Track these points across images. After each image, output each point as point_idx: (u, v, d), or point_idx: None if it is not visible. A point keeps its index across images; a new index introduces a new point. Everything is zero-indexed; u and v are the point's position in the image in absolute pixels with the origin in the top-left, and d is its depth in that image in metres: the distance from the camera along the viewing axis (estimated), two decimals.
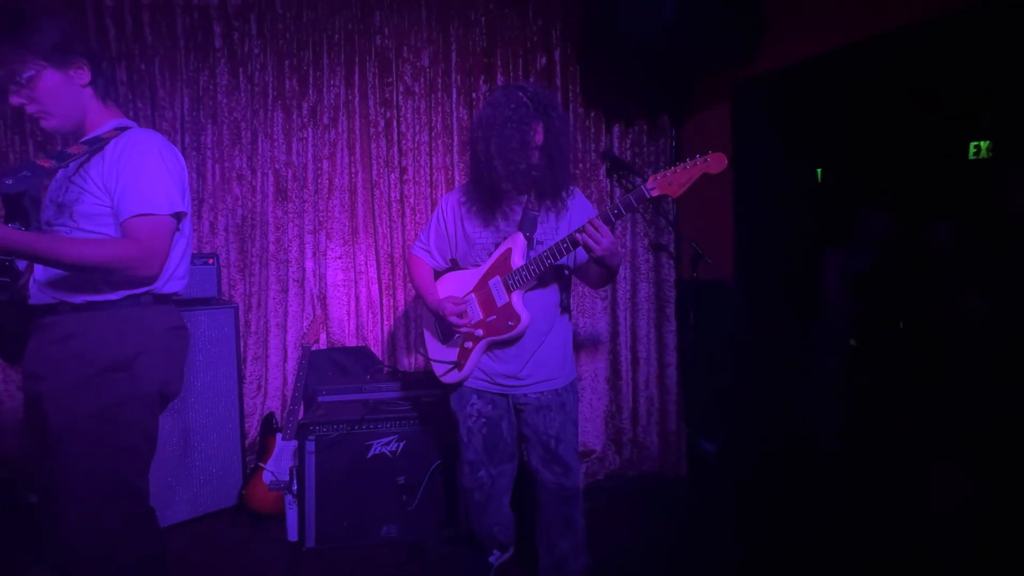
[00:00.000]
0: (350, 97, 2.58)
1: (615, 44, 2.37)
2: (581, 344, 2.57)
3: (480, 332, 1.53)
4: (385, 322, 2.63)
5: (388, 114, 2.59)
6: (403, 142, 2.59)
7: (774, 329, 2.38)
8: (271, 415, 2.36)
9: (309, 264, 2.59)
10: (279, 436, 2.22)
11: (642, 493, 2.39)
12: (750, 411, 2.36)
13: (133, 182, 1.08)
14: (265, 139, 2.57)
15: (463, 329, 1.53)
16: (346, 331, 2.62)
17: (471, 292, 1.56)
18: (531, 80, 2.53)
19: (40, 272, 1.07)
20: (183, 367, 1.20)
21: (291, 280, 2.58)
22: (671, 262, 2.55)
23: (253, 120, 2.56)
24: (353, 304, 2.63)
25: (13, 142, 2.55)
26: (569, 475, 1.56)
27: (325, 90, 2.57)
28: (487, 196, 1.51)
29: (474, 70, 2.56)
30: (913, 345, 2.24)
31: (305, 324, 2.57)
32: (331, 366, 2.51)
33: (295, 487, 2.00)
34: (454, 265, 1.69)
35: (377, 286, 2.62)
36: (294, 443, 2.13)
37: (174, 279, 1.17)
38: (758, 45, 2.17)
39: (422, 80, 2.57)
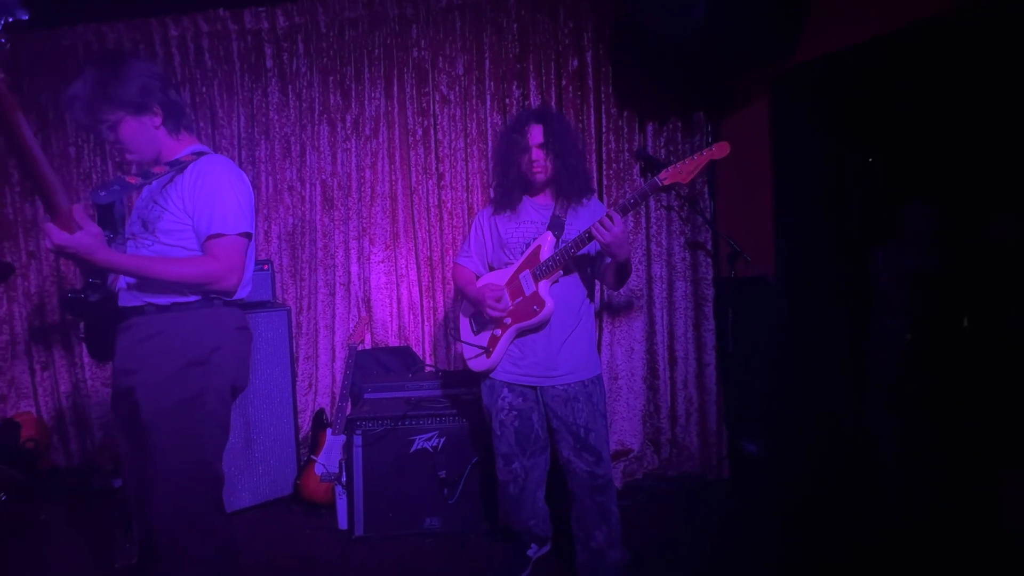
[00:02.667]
0: (389, 108, 2.70)
1: (647, 44, 2.36)
2: (617, 343, 2.58)
3: (508, 320, 1.64)
4: (425, 323, 2.73)
5: (425, 123, 2.69)
6: (440, 149, 2.68)
7: (820, 328, 2.30)
8: (321, 411, 2.50)
9: (354, 268, 2.73)
10: (329, 431, 2.36)
11: (682, 493, 2.37)
12: (796, 412, 2.29)
13: (209, 206, 1.22)
14: (312, 151, 2.73)
15: (496, 313, 1.64)
16: (389, 332, 2.75)
17: (504, 286, 1.68)
18: (563, 83, 2.56)
19: (126, 276, 1.21)
20: (249, 363, 1.34)
21: (338, 284, 2.73)
22: (708, 260, 2.51)
23: (301, 134, 2.73)
24: (395, 306, 2.75)
25: (95, 162, 2.84)
26: (600, 464, 1.60)
27: (366, 103, 2.70)
28: (514, 201, 1.68)
29: (507, 76, 2.62)
30: (979, 345, 2.11)
31: (351, 325, 2.72)
32: (375, 365, 2.64)
33: (344, 479, 2.12)
34: (491, 270, 1.81)
35: (417, 288, 2.73)
36: (343, 438, 2.26)
37: (242, 286, 1.30)
38: (798, 34, 2.11)
39: (457, 88, 2.66)
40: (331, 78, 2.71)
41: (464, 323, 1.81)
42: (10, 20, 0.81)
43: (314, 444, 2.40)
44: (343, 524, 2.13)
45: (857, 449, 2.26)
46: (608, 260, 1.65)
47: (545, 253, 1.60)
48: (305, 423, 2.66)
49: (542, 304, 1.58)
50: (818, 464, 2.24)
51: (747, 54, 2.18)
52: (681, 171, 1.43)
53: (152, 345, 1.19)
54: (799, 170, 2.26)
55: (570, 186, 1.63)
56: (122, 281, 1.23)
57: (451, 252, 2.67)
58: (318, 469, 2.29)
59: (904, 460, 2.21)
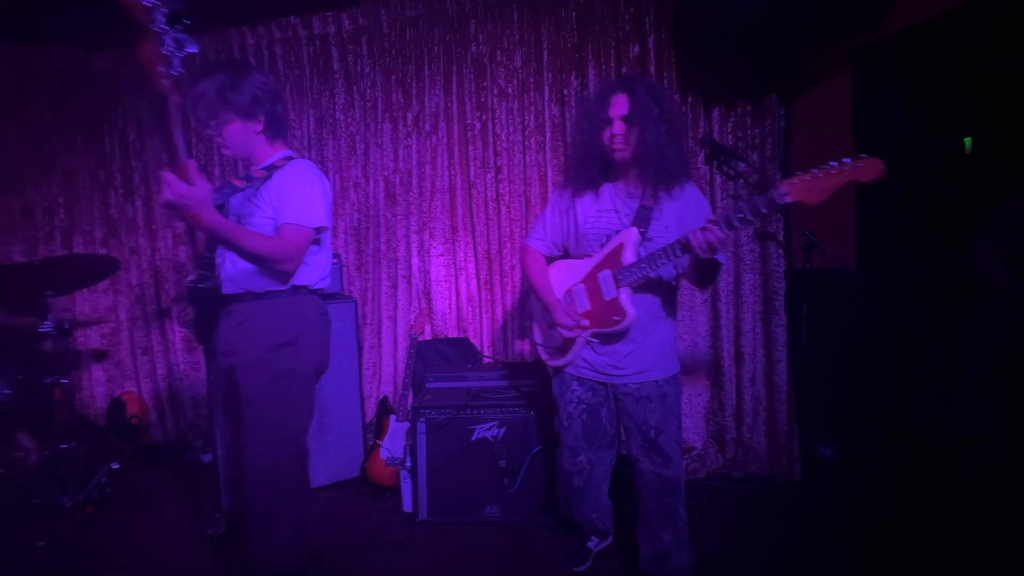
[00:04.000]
0: (449, 104, 2.74)
1: (713, 24, 2.25)
2: (679, 337, 2.50)
3: (586, 323, 1.56)
4: (483, 315, 2.77)
5: (484, 117, 2.71)
6: (498, 143, 2.70)
7: (908, 322, 2.12)
8: (385, 398, 2.62)
9: (415, 262, 2.82)
10: (393, 418, 2.46)
11: (748, 495, 2.27)
12: (878, 414, 2.13)
13: (291, 198, 1.35)
14: (376, 149, 2.84)
15: (569, 333, 1.58)
16: (448, 323, 2.82)
17: (580, 282, 1.60)
18: (623, 70, 2.50)
19: (229, 268, 1.35)
20: (329, 346, 1.46)
21: (400, 276, 2.83)
22: (780, 251, 2.37)
23: (365, 133, 2.84)
24: (454, 298, 2.81)
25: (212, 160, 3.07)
26: (669, 465, 1.55)
27: (427, 100, 2.77)
28: (594, 183, 1.54)
29: (565, 67, 2.59)
30: None
31: (412, 317, 2.81)
32: (436, 355, 2.71)
33: (409, 464, 2.21)
34: (565, 253, 1.72)
35: (476, 281, 2.78)
36: (406, 424, 2.36)
37: (323, 278, 1.42)
38: (884, 3, 1.93)
39: (515, 81, 2.66)
40: (393, 77, 2.80)
41: (537, 316, 1.76)
42: (185, 53, 0.94)
43: (379, 429, 2.52)
44: (407, 507, 2.22)
45: (948, 452, 2.07)
46: (699, 267, 1.46)
47: (628, 254, 1.47)
48: (370, 409, 2.79)
49: (623, 315, 1.47)
50: (902, 469, 2.08)
51: (825, 28, 2.03)
52: (812, 188, 1.16)
53: (247, 328, 1.31)
54: (884, 154, 2.08)
55: (660, 169, 1.43)
56: (225, 272, 1.36)
57: (509, 245, 2.69)
58: (383, 453, 2.40)
59: (1003, 466, 2.00)
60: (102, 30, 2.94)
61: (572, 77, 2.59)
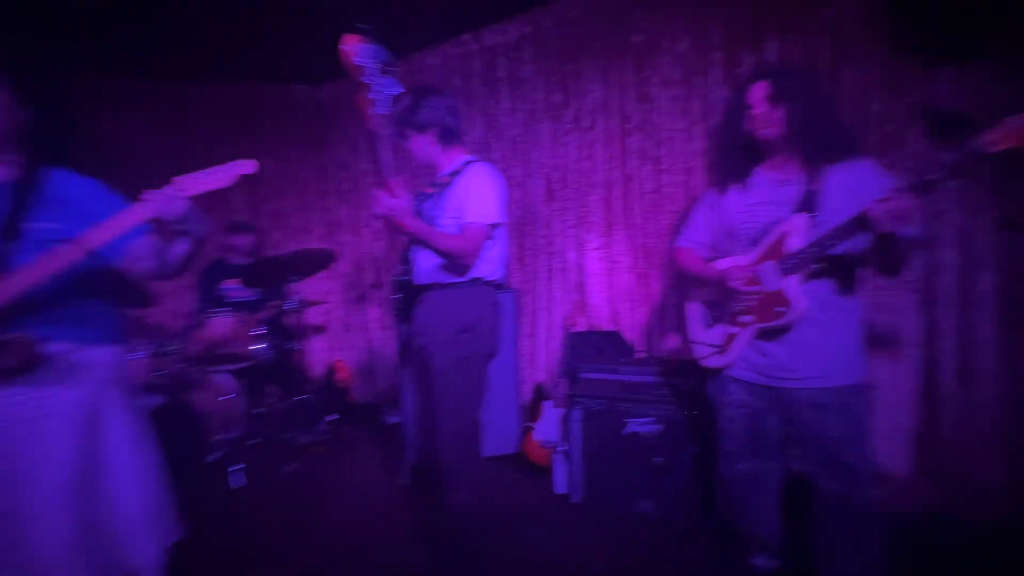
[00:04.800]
0: (607, 98, 2.76)
1: None
2: (876, 346, 2.13)
3: (748, 318, 1.46)
4: (637, 309, 2.74)
5: (644, 107, 2.66)
6: (658, 133, 2.63)
7: None
8: (540, 384, 2.78)
9: (571, 255, 2.91)
10: (547, 403, 2.61)
11: (975, 540, 1.84)
12: None
13: (468, 200, 1.55)
14: (536, 148, 3.00)
15: (747, 297, 1.44)
16: (601, 316, 2.85)
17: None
18: (811, 38, 2.20)
19: (421, 263, 1.62)
20: (499, 333, 1.63)
21: (556, 269, 2.96)
22: None
23: (527, 134, 3.03)
24: (608, 292, 2.83)
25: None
26: (856, 486, 1.35)
27: (585, 96, 2.82)
28: (742, 173, 1.45)
29: (737, 43, 2.38)
30: None
31: (567, 308, 2.92)
32: (589, 347, 2.77)
33: (563, 447, 2.32)
34: (719, 255, 1.63)
35: (631, 275, 2.76)
36: (560, 410, 2.47)
37: (497, 270, 1.59)
38: None
39: (679, 68, 2.55)
40: (553, 78, 2.92)
41: (693, 316, 1.68)
42: (396, 93, 1.19)
43: (534, 412, 2.69)
44: (560, 489, 2.34)
45: None
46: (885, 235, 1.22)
47: (794, 241, 1.33)
48: (525, 393, 2.99)
49: (788, 306, 1.34)
50: None
51: None
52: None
53: (436, 314, 1.56)
54: None
55: (817, 146, 1.31)
56: (418, 267, 1.63)
57: (668, 239, 2.60)
58: (537, 435, 2.56)
59: None
60: (328, 67, 3.66)
61: (746, 54, 2.37)
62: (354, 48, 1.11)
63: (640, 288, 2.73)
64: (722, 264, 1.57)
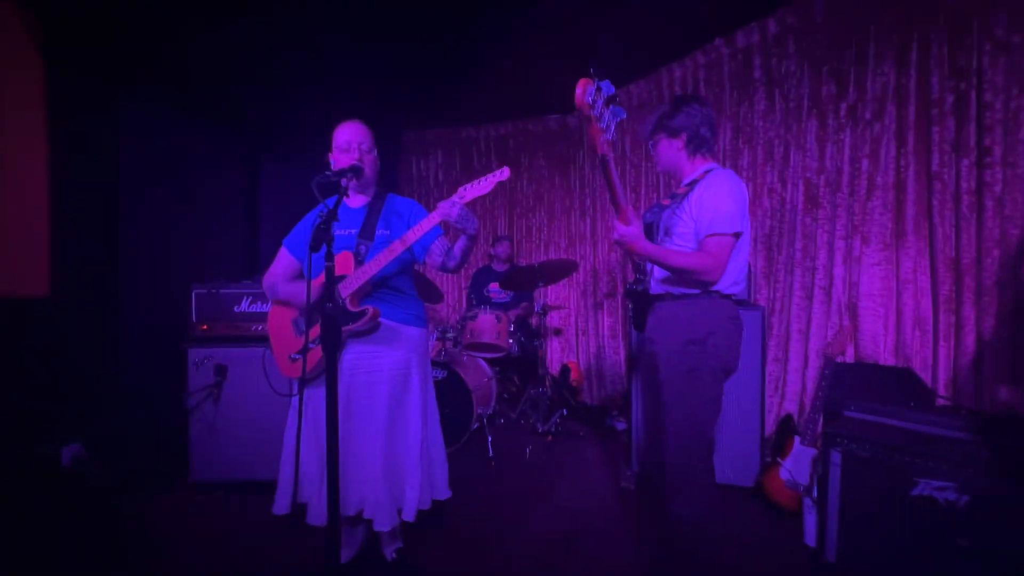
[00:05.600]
0: (903, 81, 2.25)
1: None
2: None
3: None
4: (941, 343, 2.14)
5: (961, 86, 2.08)
6: (985, 116, 2.01)
7: None
8: (789, 416, 2.44)
9: (838, 271, 2.48)
10: (797, 439, 2.28)
11: None
12: None
13: (707, 210, 1.50)
14: (797, 150, 2.66)
15: None
16: (881, 347, 2.33)
17: None
18: None
19: (657, 274, 1.65)
20: (738, 349, 1.53)
21: (816, 287, 2.56)
22: None
23: (786, 135, 2.71)
24: (892, 318, 2.30)
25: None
26: None
27: (868, 83, 2.37)
28: None
29: None
30: None
31: (829, 333, 2.49)
32: (859, 382, 2.31)
33: (815, 493, 2.00)
34: None
35: (930, 298, 2.18)
36: (813, 451, 2.13)
37: (738, 283, 1.51)
38: None
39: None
40: (824, 68, 2.54)
41: None
42: (617, 121, 1.32)
43: (779, 447, 2.38)
44: (810, 541, 2.01)
45: None
46: None
47: None
48: (769, 424, 2.67)
49: None
50: None
51: None
52: None
53: (666, 324, 1.57)
54: None
55: None
56: (653, 276, 1.68)
57: (998, 252, 1.96)
58: (783, 474, 2.26)
59: None
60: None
61: None
62: (583, 89, 1.26)
63: (945, 316, 2.13)
64: None
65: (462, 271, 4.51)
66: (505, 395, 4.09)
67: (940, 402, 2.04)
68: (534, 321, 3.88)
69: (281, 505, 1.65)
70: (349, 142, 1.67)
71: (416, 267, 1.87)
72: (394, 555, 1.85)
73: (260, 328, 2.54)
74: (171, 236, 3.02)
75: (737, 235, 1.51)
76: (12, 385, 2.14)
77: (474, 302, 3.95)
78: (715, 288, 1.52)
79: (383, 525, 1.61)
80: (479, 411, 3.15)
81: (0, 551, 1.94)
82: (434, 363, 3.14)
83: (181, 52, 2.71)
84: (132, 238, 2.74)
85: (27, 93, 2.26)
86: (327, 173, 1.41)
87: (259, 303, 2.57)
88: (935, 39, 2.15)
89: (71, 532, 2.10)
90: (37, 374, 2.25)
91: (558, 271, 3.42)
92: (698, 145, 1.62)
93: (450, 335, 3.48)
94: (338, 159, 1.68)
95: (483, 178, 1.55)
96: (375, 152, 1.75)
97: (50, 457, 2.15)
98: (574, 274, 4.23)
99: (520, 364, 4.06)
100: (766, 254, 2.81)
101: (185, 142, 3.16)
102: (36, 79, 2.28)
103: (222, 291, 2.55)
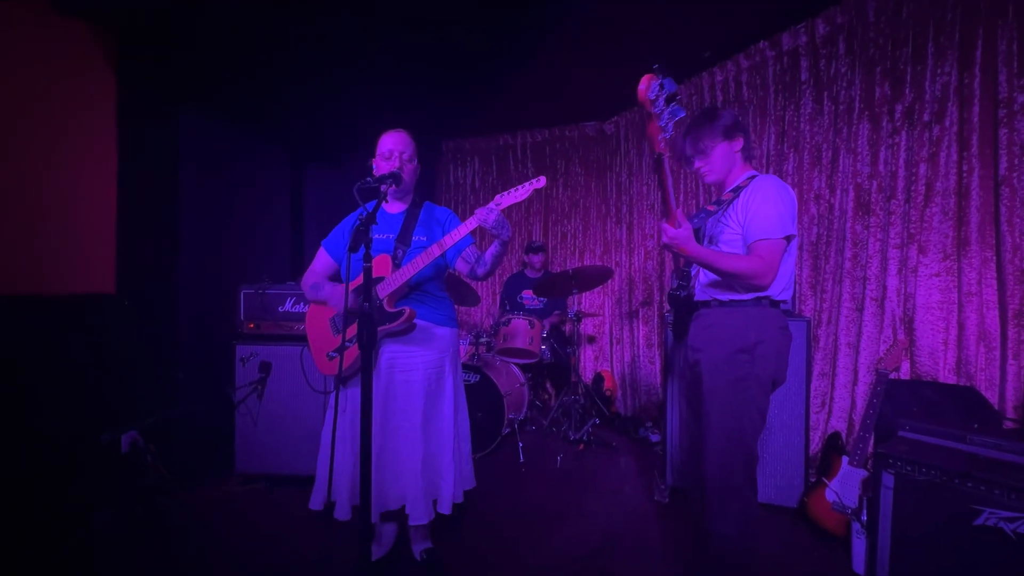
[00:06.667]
0: (966, 80, 2.12)
1: None
2: None
3: None
4: (1010, 361, 1.98)
5: None
6: None
7: None
8: (836, 434, 2.31)
9: (892, 282, 2.34)
10: (845, 459, 2.15)
11: None
12: None
13: (756, 214, 1.45)
14: (847, 154, 2.54)
15: None
16: (940, 364, 2.18)
17: None
18: None
19: (702, 279, 1.60)
20: (787, 360, 1.47)
21: (868, 299, 2.42)
22: None
23: (835, 139, 2.60)
24: (954, 332, 2.14)
25: (687, 190, 3.78)
26: None
27: (928, 83, 2.24)
28: None
29: None
30: None
31: (882, 348, 2.35)
32: (915, 401, 2.16)
33: (864, 517, 1.88)
34: None
35: (997, 312, 2.02)
36: (863, 472, 2.01)
37: (786, 290, 1.45)
38: None
39: None
40: (878, 68, 2.42)
41: None
42: (676, 119, 1.29)
43: (824, 467, 2.25)
44: (859, 567, 1.89)
45: None
46: None
47: None
48: (814, 442, 2.54)
49: None
50: None
51: None
52: None
53: (712, 332, 1.52)
54: None
55: None
56: (698, 281, 1.63)
57: None
58: (829, 495, 2.14)
59: None
60: (614, 102, 4.03)
61: None
62: (646, 84, 1.25)
63: (1015, 331, 1.97)
64: None
65: (493, 276, 4.55)
66: (537, 403, 4.06)
67: (1008, 425, 1.88)
68: (567, 328, 3.84)
69: (316, 501, 1.70)
70: (392, 150, 1.72)
71: (451, 271, 1.90)
72: (423, 555, 1.86)
73: (301, 328, 2.64)
74: (222, 238, 3.19)
75: (789, 238, 1.46)
76: (82, 375, 2.31)
77: (507, 308, 3.96)
78: (765, 294, 1.47)
79: (420, 519, 1.63)
80: (511, 416, 3.15)
81: (73, 525, 2.09)
82: (467, 367, 3.17)
83: (234, 65, 2.87)
84: (188, 240, 2.91)
85: (101, 105, 2.46)
86: (368, 179, 1.46)
87: (301, 304, 2.67)
88: (1003, 35, 2.01)
89: (127, 511, 2.24)
90: (104, 366, 2.41)
91: (593, 278, 3.38)
92: (751, 151, 1.59)
93: (483, 339, 3.50)
94: (380, 165, 1.74)
95: (520, 186, 1.57)
96: (416, 162, 1.80)
97: (112, 443, 2.30)
98: (609, 281, 4.17)
99: (553, 371, 4.03)
100: (812, 263, 2.69)
101: (235, 149, 3.34)
102: (109, 92, 2.47)
103: (268, 291, 2.67)
